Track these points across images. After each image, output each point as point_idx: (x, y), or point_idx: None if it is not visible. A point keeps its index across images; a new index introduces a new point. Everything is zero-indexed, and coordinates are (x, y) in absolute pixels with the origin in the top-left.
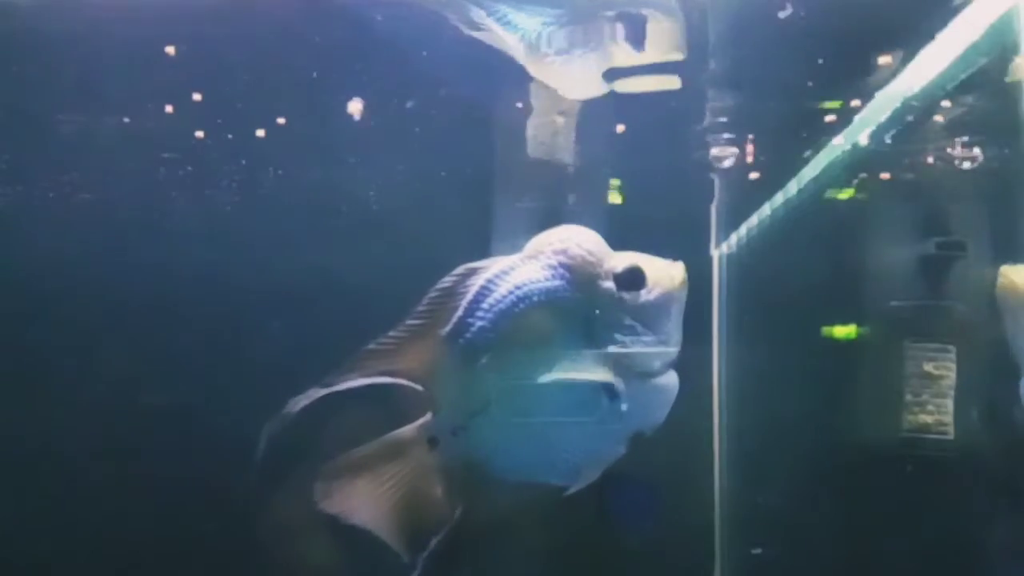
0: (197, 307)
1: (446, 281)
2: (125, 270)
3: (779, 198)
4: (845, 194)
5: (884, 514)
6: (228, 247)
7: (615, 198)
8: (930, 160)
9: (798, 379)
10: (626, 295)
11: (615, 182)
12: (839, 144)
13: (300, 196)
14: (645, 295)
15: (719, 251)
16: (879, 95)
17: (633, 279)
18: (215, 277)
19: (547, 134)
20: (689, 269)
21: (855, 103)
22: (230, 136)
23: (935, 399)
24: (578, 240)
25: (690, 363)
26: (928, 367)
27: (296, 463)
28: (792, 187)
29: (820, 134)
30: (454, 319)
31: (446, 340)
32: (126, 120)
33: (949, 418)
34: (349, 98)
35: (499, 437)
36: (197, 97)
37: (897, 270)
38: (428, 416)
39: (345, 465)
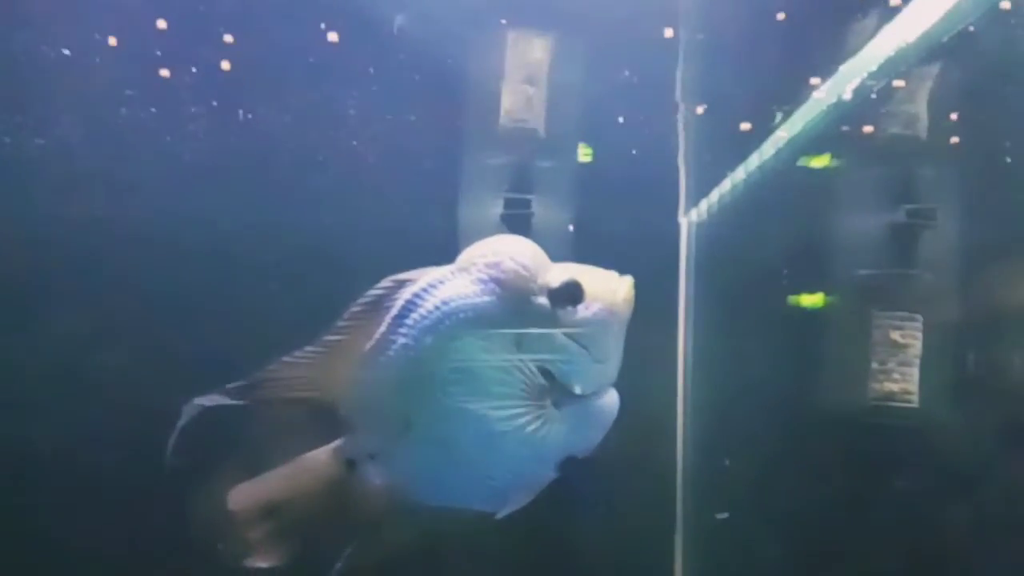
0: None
1: (370, 294)
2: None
3: (749, 165)
4: (814, 162)
5: (849, 481)
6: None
7: (584, 163)
8: (901, 128)
9: (765, 347)
10: (561, 312)
11: (584, 149)
12: (811, 110)
13: (262, 158)
14: (582, 311)
15: (687, 218)
16: (852, 60)
17: (570, 294)
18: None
19: (518, 98)
20: (657, 235)
21: (831, 68)
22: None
23: (901, 367)
24: (512, 253)
25: (656, 331)
26: (895, 335)
27: (198, 473)
28: (761, 154)
29: (791, 100)
30: (376, 335)
31: (367, 357)
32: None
33: (914, 386)
34: (316, 62)
35: (420, 462)
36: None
37: (866, 238)
38: (345, 437)
39: (255, 486)
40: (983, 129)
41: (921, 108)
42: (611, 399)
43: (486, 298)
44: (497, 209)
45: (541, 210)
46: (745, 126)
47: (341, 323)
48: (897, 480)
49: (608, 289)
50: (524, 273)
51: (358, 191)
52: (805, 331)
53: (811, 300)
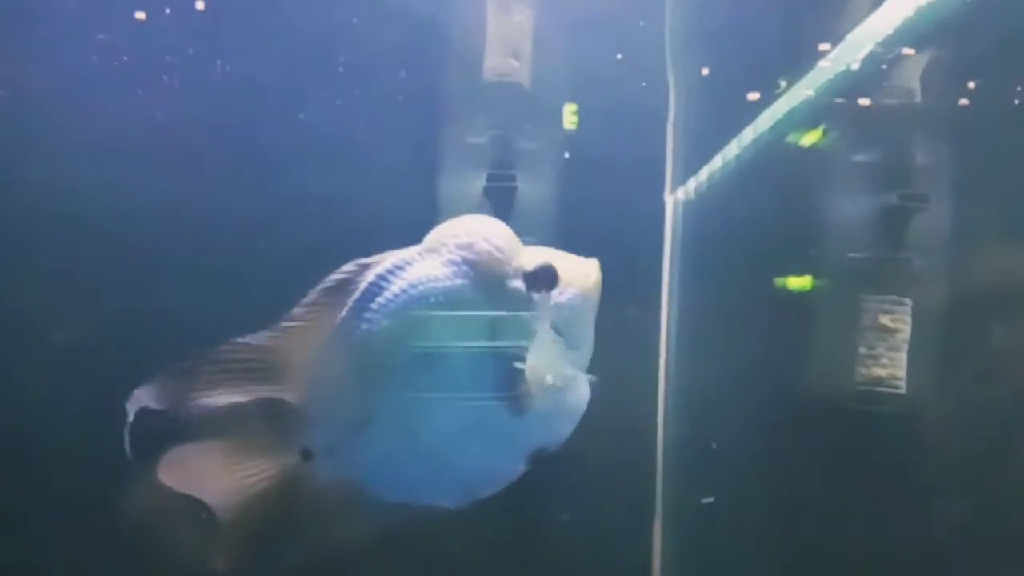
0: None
1: (331, 278)
2: None
3: (737, 145)
4: (804, 142)
5: (835, 467)
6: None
7: (568, 139)
8: (892, 110)
9: (751, 330)
10: (536, 296)
11: (571, 119)
12: (813, 81)
13: (234, 128)
14: (557, 296)
15: (674, 197)
16: (844, 41)
17: (546, 278)
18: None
19: (502, 68)
20: (641, 213)
21: (823, 47)
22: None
23: (890, 352)
24: (486, 234)
25: (637, 311)
26: (884, 320)
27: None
28: (750, 134)
29: (790, 71)
30: (337, 320)
31: (326, 344)
32: None
33: (903, 371)
34: (296, 27)
35: (381, 457)
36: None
37: (856, 221)
38: (301, 427)
39: (201, 475)
40: (977, 112)
41: (916, 90)
42: (582, 389)
43: (458, 281)
44: (480, 182)
45: (524, 185)
46: (749, 96)
47: (299, 308)
48: (884, 466)
49: (581, 274)
50: (498, 255)
51: (336, 160)
52: (793, 314)
53: (799, 283)
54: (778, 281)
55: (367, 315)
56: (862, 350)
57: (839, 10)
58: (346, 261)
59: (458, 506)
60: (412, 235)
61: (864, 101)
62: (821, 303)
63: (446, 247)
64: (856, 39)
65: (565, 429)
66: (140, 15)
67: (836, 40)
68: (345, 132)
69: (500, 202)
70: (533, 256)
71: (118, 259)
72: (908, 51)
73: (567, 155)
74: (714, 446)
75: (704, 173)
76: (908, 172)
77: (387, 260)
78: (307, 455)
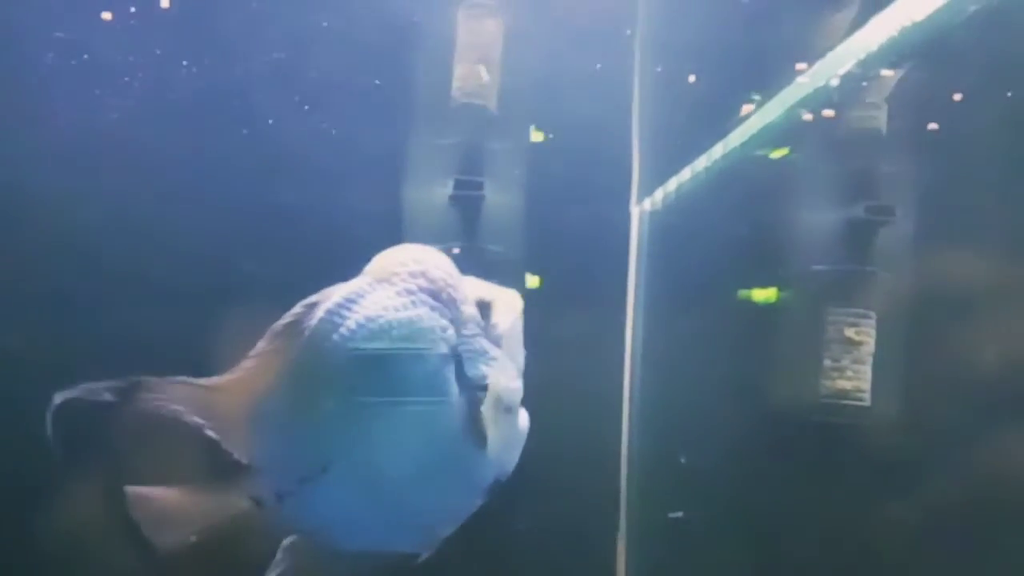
0: None
1: (281, 322)
2: None
3: (707, 158)
4: (770, 154)
5: (799, 480)
6: None
7: (535, 148)
8: (859, 123)
9: (716, 342)
10: (486, 323)
11: (536, 134)
12: (775, 106)
13: (207, 130)
14: (502, 323)
15: (640, 207)
16: (824, 59)
17: (490, 305)
18: None
19: (470, 79)
20: (606, 224)
21: (800, 66)
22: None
23: (854, 365)
24: (435, 262)
25: (603, 323)
26: (849, 332)
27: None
28: (720, 149)
29: (751, 94)
30: (288, 364)
31: (275, 390)
32: None
33: (867, 384)
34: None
35: (339, 504)
36: None
37: (822, 233)
38: (251, 475)
39: (153, 493)
40: (943, 126)
41: (883, 103)
42: (525, 416)
43: (418, 311)
44: (446, 190)
45: (490, 194)
46: (719, 108)
47: (257, 348)
48: (848, 479)
49: (513, 300)
50: (451, 282)
51: (304, 169)
52: (758, 327)
53: (764, 295)
54: (743, 293)
55: (322, 357)
56: (827, 362)
57: (811, 27)
58: (314, 269)
59: (421, 549)
60: (380, 244)
61: (831, 114)
62: (787, 315)
63: (398, 276)
64: (838, 57)
65: (515, 457)
66: (107, 16)
67: (811, 58)
68: (313, 140)
69: (467, 210)
70: (470, 283)
71: (79, 272)
72: (887, 71)
73: (534, 164)
74: (683, 460)
75: (672, 184)
76: (874, 185)
77: (335, 295)
78: (258, 503)
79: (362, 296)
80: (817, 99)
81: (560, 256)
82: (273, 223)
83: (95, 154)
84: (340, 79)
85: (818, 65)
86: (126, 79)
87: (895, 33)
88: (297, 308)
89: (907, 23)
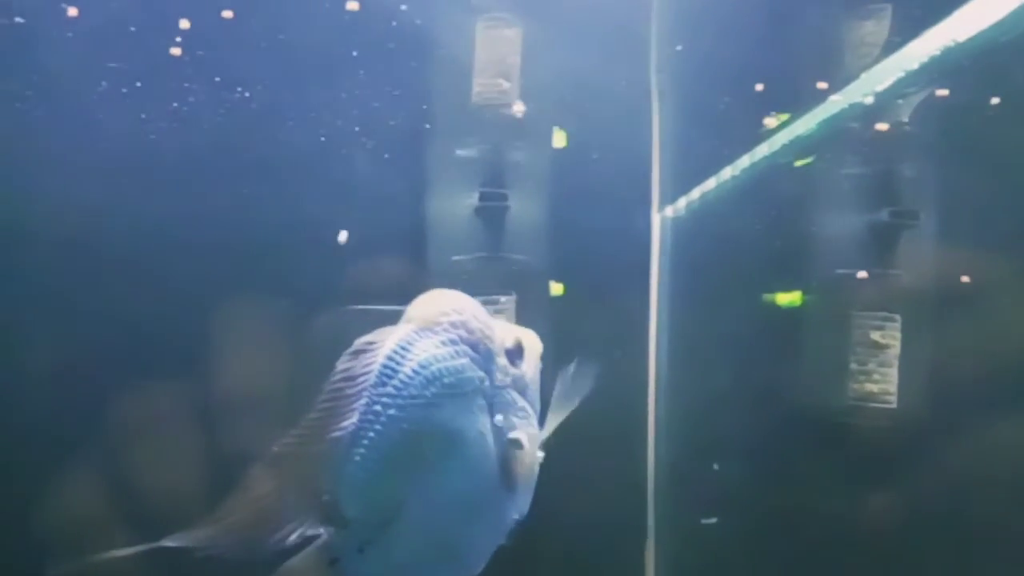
0: None
1: (342, 363)
2: None
3: (730, 168)
4: (794, 163)
5: (827, 483)
6: None
7: (557, 156)
8: (883, 128)
9: (742, 347)
10: (515, 370)
11: (559, 140)
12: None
13: (226, 151)
14: (525, 367)
15: (661, 214)
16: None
17: (519, 351)
18: None
19: (493, 86)
20: (628, 230)
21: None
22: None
23: (881, 368)
24: (473, 311)
25: (627, 330)
26: (875, 336)
27: None
28: (744, 159)
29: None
30: (357, 410)
31: (354, 434)
32: None
33: (894, 387)
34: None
35: (410, 548)
36: None
37: (847, 238)
38: (329, 533)
39: None
40: (967, 130)
41: (907, 108)
42: (539, 457)
43: (462, 360)
44: (471, 201)
45: (514, 203)
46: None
47: (320, 400)
48: (876, 482)
49: (534, 343)
50: (488, 332)
51: (327, 184)
52: (783, 330)
53: (789, 299)
54: (768, 297)
55: (387, 399)
56: (853, 366)
57: (836, 40)
58: (338, 281)
59: None
60: (404, 255)
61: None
62: (812, 319)
63: (440, 325)
64: (875, 75)
65: (530, 498)
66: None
67: (836, 72)
68: (337, 151)
69: (492, 220)
70: (502, 330)
71: (103, 277)
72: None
73: (556, 173)
74: (716, 467)
75: (696, 192)
76: (898, 189)
77: (390, 339)
78: (334, 563)
79: (412, 344)
80: (848, 114)
81: (583, 263)
82: (299, 235)
83: (130, 171)
84: (364, 92)
85: (854, 84)
86: (155, 96)
87: (937, 52)
88: (355, 346)
89: (950, 43)
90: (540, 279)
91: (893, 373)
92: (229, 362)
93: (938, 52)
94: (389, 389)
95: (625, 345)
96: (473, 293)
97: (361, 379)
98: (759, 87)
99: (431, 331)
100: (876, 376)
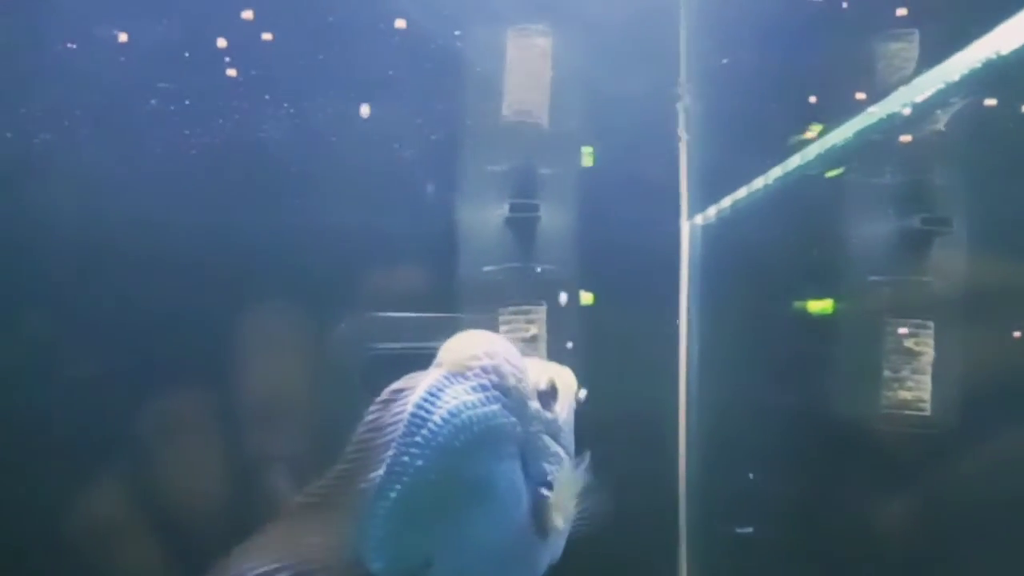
0: None
1: (372, 412)
2: None
3: (762, 178)
4: (825, 174)
5: (861, 490)
6: None
7: (586, 164)
8: (915, 135)
9: (773, 355)
10: (548, 413)
11: (587, 150)
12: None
13: (255, 163)
14: (558, 409)
15: (690, 222)
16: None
17: (553, 394)
18: None
19: (523, 98)
20: (656, 238)
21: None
22: None
23: (914, 375)
24: (505, 355)
25: (658, 338)
26: (908, 343)
27: None
28: (775, 170)
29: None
30: (387, 459)
31: (380, 487)
32: None
33: (928, 394)
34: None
35: None
36: None
37: (878, 245)
38: None
39: None
40: (999, 136)
41: (940, 115)
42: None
43: (493, 407)
44: (502, 212)
45: (544, 213)
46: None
47: (349, 449)
48: (910, 489)
49: (569, 382)
50: (520, 376)
51: (358, 195)
52: (816, 338)
53: (821, 306)
54: (800, 305)
55: (415, 450)
56: (887, 373)
57: (866, 53)
58: (368, 293)
59: None
60: (434, 267)
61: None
62: (845, 326)
63: (471, 370)
64: (917, 86)
65: (564, 541)
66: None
67: (866, 84)
68: (369, 162)
69: (522, 231)
70: (535, 372)
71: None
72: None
73: (585, 183)
74: (751, 476)
75: (727, 201)
76: (930, 196)
77: (420, 387)
78: None
79: (442, 390)
80: (885, 125)
81: (613, 272)
82: (332, 246)
83: (161, 178)
84: (396, 104)
85: (893, 95)
86: (189, 103)
87: (978, 65)
88: (384, 395)
89: (992, 55)
90: (570, 289)
91: (927, 380)
92: (269, 368)
93: (980, 64)
94: (418, 439)
95: (655, 354)
96: (504, 303)
97: (389, 430)
98: (790, 98)
99: (462, 376)
100: (910, 383)
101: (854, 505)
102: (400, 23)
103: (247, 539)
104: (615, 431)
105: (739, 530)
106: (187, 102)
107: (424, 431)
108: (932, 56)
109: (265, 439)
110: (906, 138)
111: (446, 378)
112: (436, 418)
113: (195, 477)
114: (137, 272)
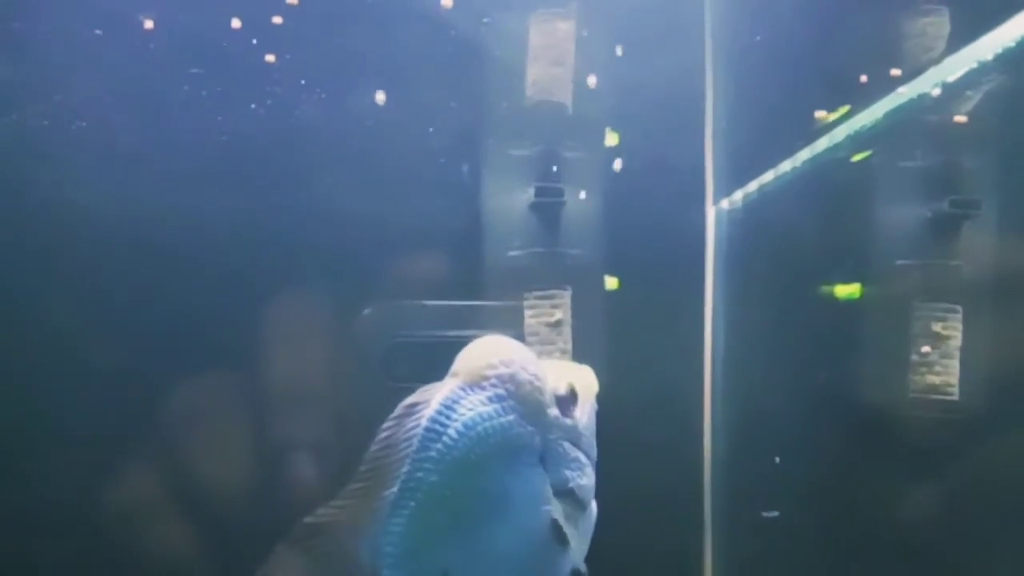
0: None
1: (386, 428)
2: None
3: (789, 161)
4: (852, 158)
5: (889, 475)
6: None
7: (611, 148)
8: (944, 117)
9: (802, 338)
10: (568, 420)
11: (612, 140)
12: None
13: (278, 146)
14: (579, 415)
15: (717, 207)
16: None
17: (572, 399)
18: None
19: (547, 81)
20: (682, 223)
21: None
22: None
23: (942, 359)
24: (522, 363)
25: (683, 323)
26: (936, 327)
27: None
28: (803, 152)
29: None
30: (400, 475)
31: (394, 504)
32: None
33: (956, 379)
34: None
35: None
36: None
37: (906, 228)
38: None
39: None
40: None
41: (969, 96)
42: (594, 508)
43: (509, 417)
44: (527, 197)
45: (568, 198)
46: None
47: (363, 466)
48: (938, 474)
49: (590, 384)
50: (538, 384)
51: (381, 181)
52: (843, 322)
53: (848, 291)
54: (827, 289)
55: (429, 465)
56: (915, 358)
57: (889, 34)
58: (392, 279)
59: None
60: (459, 252)
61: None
62: (873, 311)
63: (487, 380)
64: (943, 69)
65: (586, 548)
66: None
67: (894, 64)
68: (391, 148)
69: (547, 216)
70: (555, 376)
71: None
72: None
73: (610, 167)
74: (777, 460)
75: (753, 185)
76: (960, 178)
77: (434, 400)
78: None
79: (457, 402)
80: (915, 106)
81: (638, 257)
82: (363, 231)
83: (179, 167)
84: (419, 88)
85: (923, 76)
86: (204, 93)
87: (1011, 44)
88: (398, 411)
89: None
90: (595, 273)
91: (955, 364)
92: (295, 356)
93: (1013, 44)
94: (432, 454)
95: (680, 338)
96: (529, 288)
97: (403, 446)
98: (818, 80)
99: (478, 387)
100: (938, 368)
101: (880, 490)
102: (448, 2)
103: (270, 528)
104: (641, 416)
105: (765, 514)
106: (219, 88)
107: (439, 445)
108: (963, 36)
109: (291, 427)
110: (938, 119)
111: (461, 389)
112: (451, 431)
113: (220, 465)
114: (166, 258)
